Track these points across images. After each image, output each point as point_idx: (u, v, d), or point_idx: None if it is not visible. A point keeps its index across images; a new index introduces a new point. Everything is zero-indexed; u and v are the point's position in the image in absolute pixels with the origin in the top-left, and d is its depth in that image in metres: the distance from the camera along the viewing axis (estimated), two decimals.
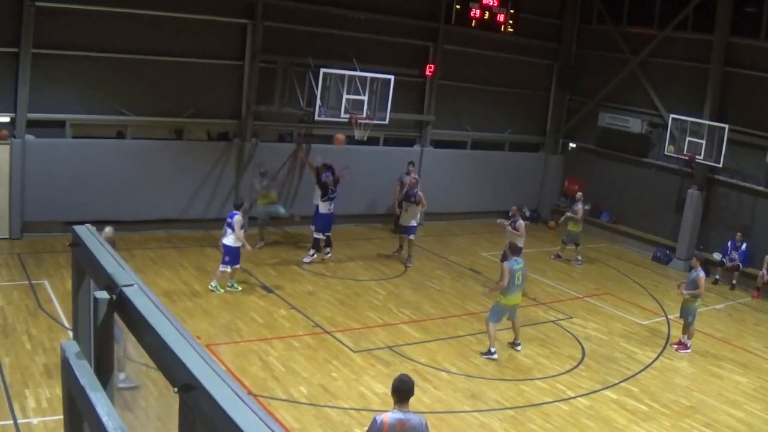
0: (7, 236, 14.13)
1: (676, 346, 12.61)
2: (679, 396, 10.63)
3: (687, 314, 12.55)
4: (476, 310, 13.32)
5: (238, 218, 12.45)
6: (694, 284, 12.38)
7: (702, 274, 12.45)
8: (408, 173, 17.10)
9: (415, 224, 15.72)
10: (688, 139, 17.37)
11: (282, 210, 15.80)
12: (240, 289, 12.91)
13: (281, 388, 9.52)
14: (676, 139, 17.76)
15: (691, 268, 12.90)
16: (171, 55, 15.42)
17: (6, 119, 14.00)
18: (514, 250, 11.52)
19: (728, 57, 17.38)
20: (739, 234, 16.84)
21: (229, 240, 12.54)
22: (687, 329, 12.62)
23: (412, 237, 15.66)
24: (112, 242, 9.41)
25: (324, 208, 14.82)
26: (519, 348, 11.65)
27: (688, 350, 12.48)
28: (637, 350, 12.32)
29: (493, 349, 11.22)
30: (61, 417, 2.98)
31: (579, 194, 17.46)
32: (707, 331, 13.60)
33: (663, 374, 11.43)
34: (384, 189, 18.41)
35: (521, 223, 14.86)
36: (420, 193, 15.74)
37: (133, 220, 15.42)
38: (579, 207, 17.19)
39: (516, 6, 18.59)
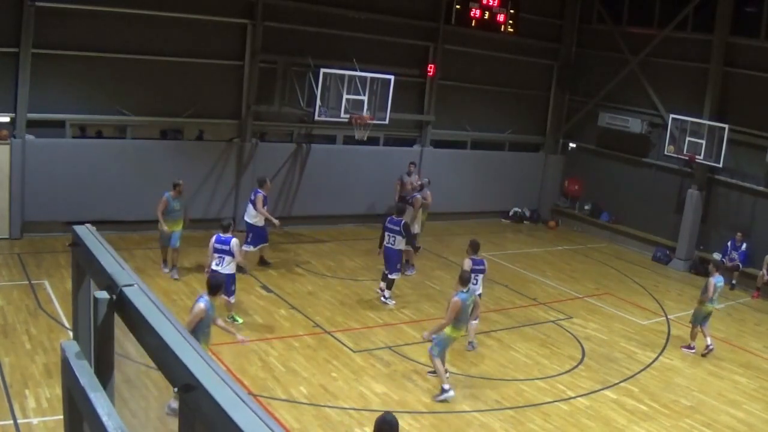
0: (7, 236, 14.13)
1: (686, 350, 12.50)
2: (679, 396, 10.63)
3: (693, 315, 12.54)
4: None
5: (235, 242, 11.00)
6: (705, 289, 12.31)
7: (713, 280, 12.22)
8: (409, 173, 17.06)
9: (416, 231, 14.81)
10: (688, 139, 17.36)
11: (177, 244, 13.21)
12: (241, 321, 11.53)
13: (281, 388, 9.52)
14: (676, 139, 17.76)
15: (709, 274, 12.68)
16: (171, 55, 15.42)
17: (6, 119, 14.00)
18: (464, 281, 9.81)
19: (728, 57, 17.38)
20: (739, 234, 16.84)
21: (228, 269, 10.96)
22: (692, 330, 12.56)
23: (409, 247, 14.27)
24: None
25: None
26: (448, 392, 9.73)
27: (692, 350, 12.45)
28: (637, 350, 12.32)
29: (446, 386, 9.67)
30: (61, 417, 2.98)
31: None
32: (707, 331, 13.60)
33: (663, 374, 11.43)
34: (384, 189, 18.40)
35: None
36: (418, 195, 15.20)
37: (133, 220, 15.42)
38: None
39: (516, 6, 18.59)
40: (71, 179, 14.56)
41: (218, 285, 8.53)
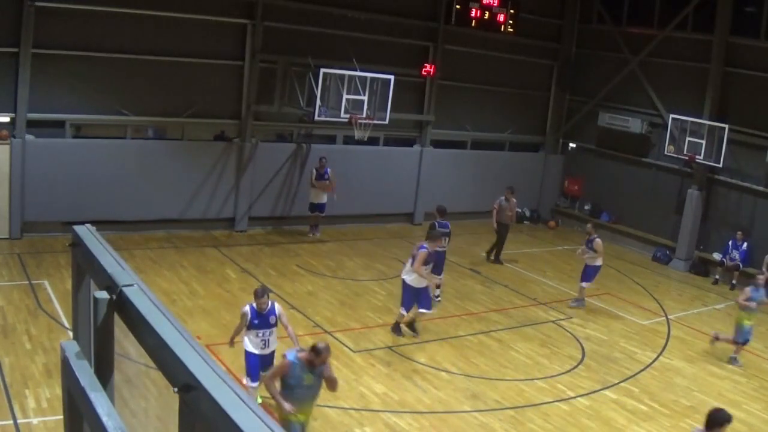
0: (7, 236, 14.12)
1: None
2: (679, 396, 10.63)
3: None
4: (476, 310, 13.32)
5: (280, 309, 8.68)
6: None
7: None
8: (507, 199, 16.44)
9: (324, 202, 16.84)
10: (688, 139, 17.36)
11: None
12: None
13: None
14: (676, 139, 17.75)
15: None
16: (171, 55, 15.41)
17: (6, 119, 14.00)
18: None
19: (728, 57, 17.38)
20: (739, 233, 16.84)
21: (253, 345, 8.50)
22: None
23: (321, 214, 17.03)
24: None
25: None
26: None
27: None
28: (637, 350, 12.31)
29: None
30: (61, 417, 2.98)
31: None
32: (707, 331, 13.59)
33: (663, 374, 11.43)
34: (383, 189, 18.43)
35: (599, 241, 14.02)
36: (329, 171, 16.73)
37: (133, 220, 15.43)
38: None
39: (516, 6, 18.58)
40: (71, 179, 14.56)
41: (723, 420, 6.72)
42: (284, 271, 14.40)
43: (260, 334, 8.39)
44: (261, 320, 8.38)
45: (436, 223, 13.30)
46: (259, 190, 16.96)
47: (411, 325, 11.75)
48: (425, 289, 11.53)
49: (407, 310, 11.54)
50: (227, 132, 16.77)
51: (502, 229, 16.64)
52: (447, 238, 13.28)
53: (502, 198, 16.67)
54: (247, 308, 8.45)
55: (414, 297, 11.44)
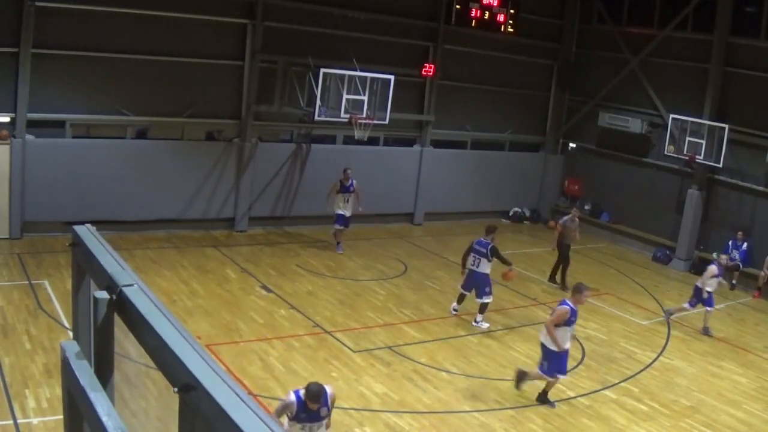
0: (7, 236, 14.12)
1: None
2: (679, 396, 10.63)
3: None
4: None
5: (333, 395, 6.99)
6: None
7: None
8: (573, 219, 15.81)
9: (343, 213, 15.84)
10: (688, 139, 17.37)
11: None
12: None
13: (281, 388, 9.49)
14: (676, 139, 17.76)
15: None
16: (171, 55, 15.42)
17: (6, 119, 14.00)
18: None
19: (728, 57, 17.39)
20: (740, 233, 16.86)
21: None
22: None
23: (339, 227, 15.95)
24: None
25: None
26: None
27: None
28: (637, 350, 12.32)
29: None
30: (61, 417, 2.98)
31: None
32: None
33: (663, 374, 11.43)
34: (383, 189, 18.42)
35: (713, 268, 13.48)
36: (354, 183, 15.86)
37: (133, 220, 15.43)
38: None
39: (516, 6, 18.59)
40: (71, 179, 14.56)
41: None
42: (284, 271, 14.40)
43: (306, 428, 6.76)
44: (309, 415, 6.70)
45: (475, 243, 12.49)
46: (259, 190, 16.96)
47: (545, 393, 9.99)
48: (566, 352, 9.76)
49: (561, 374, 9.76)
50: (219, 132, 16.73)
51: (565, 249, 15.59)
52: (480, 258, 12.35)
53: (567, 217, 15.83)
54: (293, 398, 6.67)
55: (560, 359, 9.69)
